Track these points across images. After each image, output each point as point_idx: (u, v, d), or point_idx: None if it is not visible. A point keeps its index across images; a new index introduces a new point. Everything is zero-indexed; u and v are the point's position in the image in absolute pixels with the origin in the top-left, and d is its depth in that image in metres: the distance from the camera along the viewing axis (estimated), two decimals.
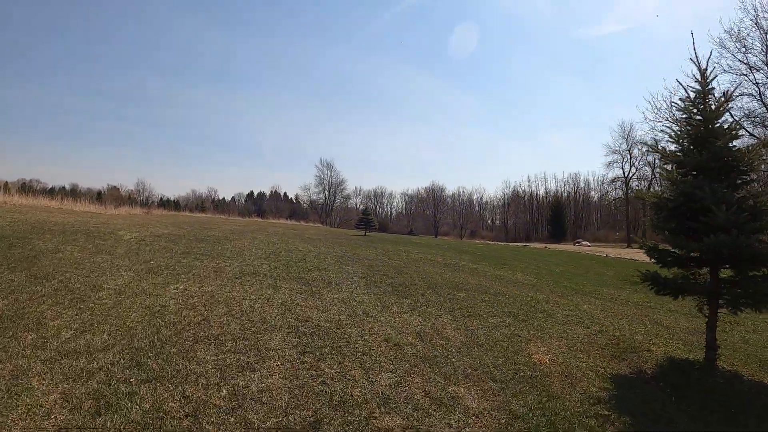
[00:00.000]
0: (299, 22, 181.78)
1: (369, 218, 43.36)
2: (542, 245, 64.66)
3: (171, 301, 10.28)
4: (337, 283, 13.65)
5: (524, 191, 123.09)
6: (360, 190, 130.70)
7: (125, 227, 21.11)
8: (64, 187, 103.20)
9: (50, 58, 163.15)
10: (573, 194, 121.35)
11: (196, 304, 10.26)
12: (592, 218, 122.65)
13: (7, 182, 75.35)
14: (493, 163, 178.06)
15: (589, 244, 62.65)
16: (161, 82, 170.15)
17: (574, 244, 59.15)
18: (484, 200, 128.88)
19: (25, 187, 76.16)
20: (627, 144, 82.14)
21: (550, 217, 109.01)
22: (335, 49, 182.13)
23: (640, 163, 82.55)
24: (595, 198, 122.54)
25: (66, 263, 12.82)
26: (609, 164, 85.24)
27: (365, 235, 39.35)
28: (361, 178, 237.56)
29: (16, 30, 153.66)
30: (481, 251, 31.89)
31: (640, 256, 45.23)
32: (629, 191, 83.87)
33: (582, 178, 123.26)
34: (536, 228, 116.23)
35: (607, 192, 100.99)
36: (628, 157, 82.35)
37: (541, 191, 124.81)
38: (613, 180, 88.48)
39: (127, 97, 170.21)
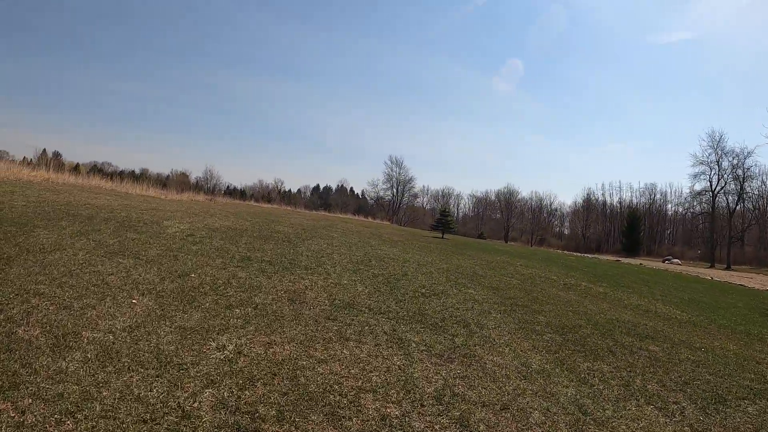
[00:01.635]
0: (368, 20, 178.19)
1: (448, 220, 37.82)
2: (614, 258, 58.16)
3: (207, 395, 4.72)
4: (480, 327, 8.43)
5: (597, 200, 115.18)
6: (427, 189, 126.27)
7: (177, 216, 16.23)
8: (133, 171, 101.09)
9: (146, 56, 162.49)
10: (648, 206, 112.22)
11: (265, 399, 4.88)
12: (666, 233, 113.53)
13: (78, 164, 73.29)
14: (561, 170, 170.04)
15: (680, 261, 55.12)
16: (244, 78, 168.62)
17: (663, 262, 52.02)
18: (553, 207, 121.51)
19: (95, 169, 73.78)
20: (716, 155, 72.42)
21: (624, 228, 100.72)
22: (406, 48, 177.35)
23: (729, 176, 73.24)
24: (671, 211, 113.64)
25: (50, 274, 7.63)
26: (695, 176, 75.78)
27: (443, 237, 35.38)
28: (428, 178, 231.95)
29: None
30: (576, 264, 26.38)
31: (735, 278, 38.96)
32: (715, 205, 75.28)
33: (658, 189, 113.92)
34: (608, 239, 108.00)
35: (691, 205, 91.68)
36: (717, 168, 72.90)
37: (615, 201, 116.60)
38: (699, 193, 79.32)
39: (203, 88, 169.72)
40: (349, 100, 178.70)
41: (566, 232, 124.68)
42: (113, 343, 5.53)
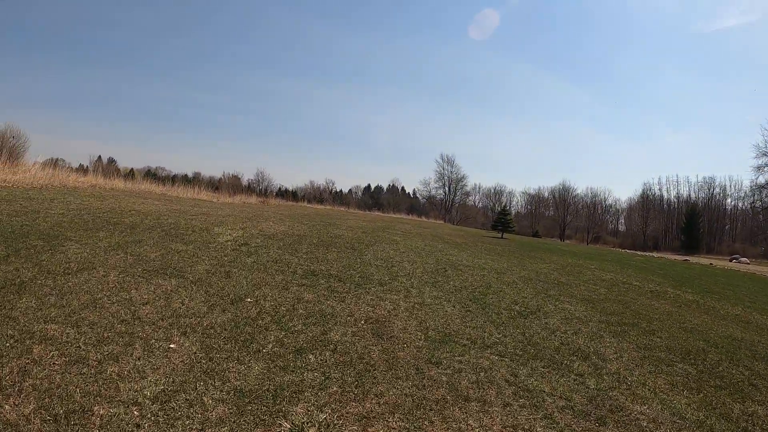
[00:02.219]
0: (413, 17, 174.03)
1: (507, 219, 35.49)
2: (675, 256, 53.97)
3: None
4: (602, 359, 6.82)
5: (654, 195, 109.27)
6: (479, 188, 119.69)
7: (229, 221, 14.59)
8: (186, 175, 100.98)
9: (173, 57, 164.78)
10: (707, 201, 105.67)
11: None
12: (726, 229, 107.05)
13: (132, 169, 73.51)
14: (616, 165, 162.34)
15: (748, 260, 50.76)
16: (290, 80, 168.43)
17: (731, 261, 47.98)
18: (608, 203, 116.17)
19: (150, 174, 73.77)
20: None
21: (683, 225, 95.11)
22: (450, 45, 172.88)
23: None
24: (730, 206, 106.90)
25: (68, 305, 5.79)
26: (758, 168, 69.25)
27: (502, 237, 33.40)
28: (479, 176, 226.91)
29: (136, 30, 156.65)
30: (647, 265, 23.68)
31: None
32: None
33: (717, 182, 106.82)
34: (666, 236, 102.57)
35: (754, 200, 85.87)
36: None
37: (673, 196, 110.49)
38: (763, 186, 73.40)
39: (252, 93, 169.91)
40: (395, 99, 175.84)
41: (621, 228, 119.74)
42: (137, 427, 3.64)
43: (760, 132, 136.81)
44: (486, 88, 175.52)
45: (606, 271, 17.48)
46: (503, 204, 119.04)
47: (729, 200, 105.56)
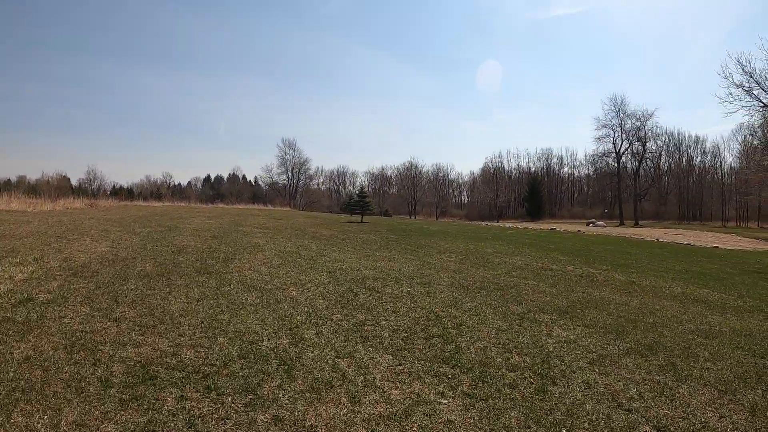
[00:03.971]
0: (254, 2, 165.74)
1: (366, 201, 32.65)
2: (529, 224, 56.42)
3: None
4: None
5: (497, 167, 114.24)
6: (322, 170, 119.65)
7: (24, 246, 10.11)
8: (8, 180, 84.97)
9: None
10: (546, 170, 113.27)
11: None
12: (565, 195, 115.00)
13: None
14: (454, 141, 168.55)
15: (604, 224, 53.20)
16: (110, 63, 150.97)
17: (588, 225, 49.77)
18: (450, 178, 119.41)
19: None
20: (618, 118, 74.25)
21: (526, 194, 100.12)
22: (292, 28, 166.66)
23: (633, 137, 75.15)
24: (567, 174, 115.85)
25: None
26: (599, 138, 77.09)
27: (362, 221, 30.61)
28: (322, 159, 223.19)
29: None
30: (532, 241, 22.25)
31: (675, 236, 37.61)
32: (619, 166, 76.24)
33: (554, 153, 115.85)
34: (509, 205, 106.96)
35: (596, 167, 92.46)
36: (620, 131, 74.57)
37: (513, 167, 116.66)
38: (604, 155, 79.81)
39: (76, 82, 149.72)
40: (240, 85, 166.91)
41: (464, 201, 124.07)
42: None
43: (600, 107, 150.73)
44: (328, 70, 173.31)
45: (510, 255, 15.78)
46: (347, 185, 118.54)
47: (566, 169, 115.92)
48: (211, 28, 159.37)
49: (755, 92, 25.46)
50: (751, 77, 25.14)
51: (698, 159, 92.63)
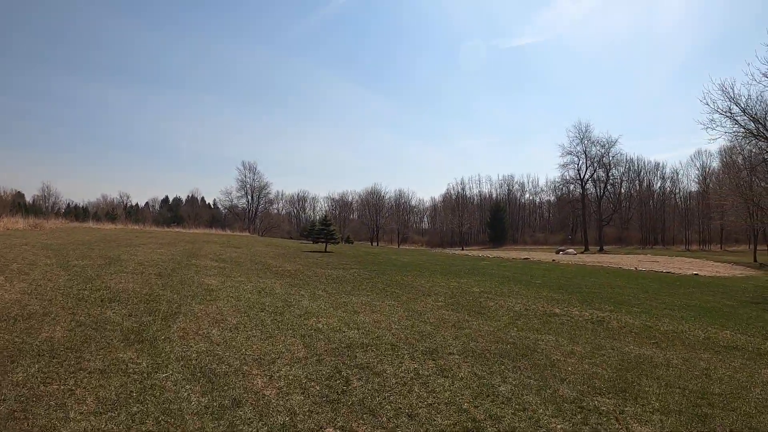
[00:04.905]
0: (219, 24, 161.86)
1: (331, 230, 30.62)
2: (492, 252, 56.14)
3: None
4: None
5: (459, 194, 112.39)
6: (282, 194, 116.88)
7: None
8: None
9: None
10: (508, 196, 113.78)
11: None
12: (526, 221, 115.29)
13: None
14: (415, 168, 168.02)
15: (574, 251, 52.17)
16: (71, 76, 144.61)
17: (558, 253, 48.63)
18: (411, 204, 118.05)
19: None
20: (583, 145, 74.66)
21: (489, 220, 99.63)
22: (255, 52, 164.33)
23: (596, 164, 75.83)
24: (528, 200, 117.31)
25: None
26: (564, 165, 77.27)
27: (326, 250, 29.33)
28: (283, 183, 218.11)
29: None
30: (518, 275, 21.14)
31: (649, 263, 36.46)
32: (584, 192, 76.35)
33: (516, 180, 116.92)
34: (471, 231, 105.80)
35: (561, 192, 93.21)
36: (584, 158, 74.89)
37: (476, 193, 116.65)
38: (568, 181, 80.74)
39: (35, 95, 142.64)
40: (201, 107, 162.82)
41: (425, 227, 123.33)
42: None
43: (564, 134, 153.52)
44: (291, 95, 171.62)
45: (501, 296, 14.18)
46: (307, 210, 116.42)
47: (527, 195, 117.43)
48: (172, 44, 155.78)
49: (737, 118, 25.17)
50: (737, 104, 24.84)
51: (658, 185, 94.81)
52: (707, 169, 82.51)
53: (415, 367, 6.32)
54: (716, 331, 11.17)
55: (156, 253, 17.12)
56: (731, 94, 25.01)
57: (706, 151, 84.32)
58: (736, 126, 25.55)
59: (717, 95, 30.05)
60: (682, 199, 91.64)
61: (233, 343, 6.79)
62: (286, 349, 6.71)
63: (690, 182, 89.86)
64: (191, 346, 6.50)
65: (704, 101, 26.13)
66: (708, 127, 25.94)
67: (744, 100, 25.14)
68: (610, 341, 9.20)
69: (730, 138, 30.67)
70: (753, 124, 25.13)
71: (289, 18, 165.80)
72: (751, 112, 25.08)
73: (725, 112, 24.96)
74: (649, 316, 12.30)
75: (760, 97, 25.01)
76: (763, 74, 23.02)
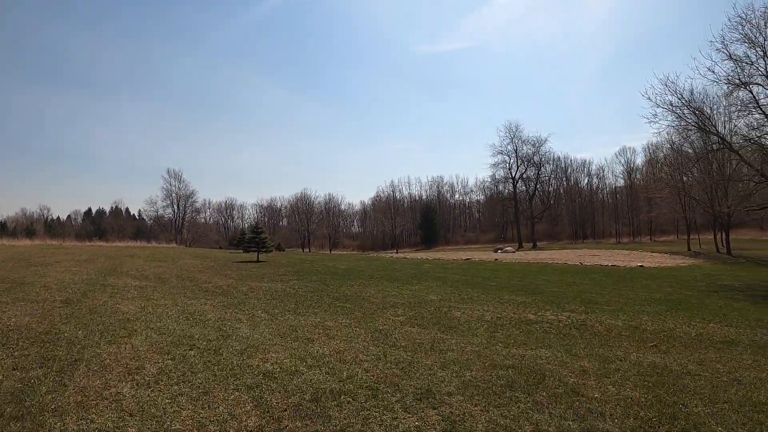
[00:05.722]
0: (146, 26, 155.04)
1: (262, 237, 28.96)
2: (414, 252, 55.40)
3: None
4: None
5: (389, 196, 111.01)
6: (209, 203, 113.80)
7: None
8: None
9: None
10: (438, 198, 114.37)
11: None
12: (457, 221, 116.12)
13: None
14: (344, 172, 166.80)
15: (512, 249, 52.02)
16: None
17: (496, 251, 48.22)
18: (341, 208, 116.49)
19: None
20: (513, 144, 75.37)
21: (420, 222, 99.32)
22: (183, 56, 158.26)
23: (528, 163, 76.89)
24: (458, 200, 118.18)
25: None
26: (495, 164, 77.63)
27: (258, 260, 27.91)
28: (209, 191, 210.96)
29: None
30: (466, 277, 20.23)
31: (590, 258, 36.26)
32: (516, 191, 77.39)
33: (446, 181, 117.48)
34: (403, 233, 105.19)
35: (492, 193, 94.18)
36: (515, 157, 75.57)
37: (406, 195, 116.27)
38: (500, 180, 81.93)
39: None
40: (120, 109, 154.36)
41: (356, 231, 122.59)
42: None
43: (494, 135, 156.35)
44: (219, 101, 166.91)
45: (464, 302, 12.98)
46: (235, 218, 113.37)
47: (457, 196, 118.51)
48: (98, 48, 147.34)
49: (678, 111, 26.02)
50: (681, 97, 25.58)
51: (585, 181, 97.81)
52: (632, 165, 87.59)
53: (417, 425, 4.56)
54: (702, 325, 10.59)
55: (69, 272, 15.65)
56: (674, 88, 25.66)
57: (630, 148, 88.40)
58: (678, 119, 26.36)
59: (659, 90, 32.00)
60: (608, 195, 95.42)
61: (153, 410, 4.66)
62: (229, 415, 4.62)
63: (615, 178, 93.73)
64: (92, 420, 4.43)
65: (646, 96, 27.17)
66: (651, 121, 26.48)
67: (688, 94, 26.17)
68: (610, 350, 8.04)
69: (674, 131, 33.46)
70: (695, 117, 25.87)
71: (216, 23, 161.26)
72: (694, 105, 26.11)
73: (666, 106, 25.62)
74: (626, 315, 11.52)
75: (703, 91, 25.91)
76: (708, 68, 23.46)
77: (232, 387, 5.44)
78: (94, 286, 13.07)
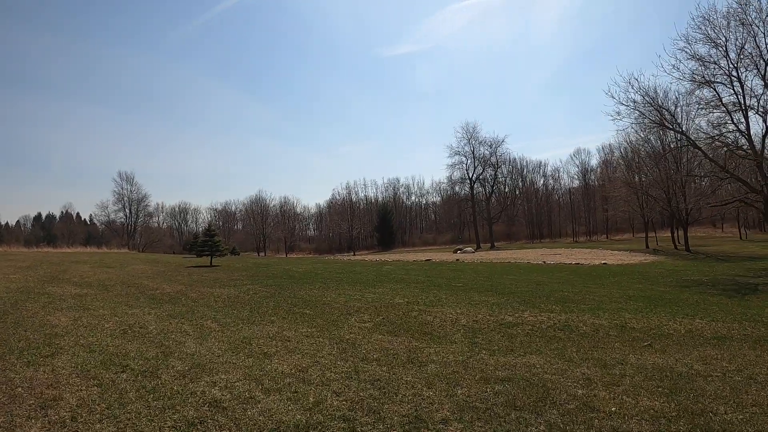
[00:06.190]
0: (99, 26, 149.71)
1: (216, 240, 27.68)
2: (373, 254, 54.94)
3: None
4: None
5: (345, 199, 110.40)
6: (163, 207, 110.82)
7: None
8: None
9: None
10: (394, 199, 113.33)
11: None
12: (414, 223, 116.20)
13: None
14: (298, 175, 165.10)
15: (472, 249, 51.67)
16: None
17: (456, 252, 47.72)
18: (297, 211, 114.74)
19: None
20: (470, 145, 75.04)
21: (377, 224, 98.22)
22: (132, 57, 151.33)
23: (486, 163, 76.92)
24: (415, 202, 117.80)
25: None
26: (452, 165, 77.11)
27: (211, 264, 26.79)
28: (163, 195, 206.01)
29: None
30: (431, 279, 19.30)
31: (533, 257, 36.69)
32: (473, 192, 77.09)
33: (401, 183, 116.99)
34: (360, 236, 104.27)
35: (453, 193, 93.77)
36: (472, 158, 75.34)
37: (362, 197, 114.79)
38: (457, 181, 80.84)
39: None
40: (69, 111, 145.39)
41: (312, 234, 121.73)
42: None
43: (451, 137, 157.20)
44: (171, 103, 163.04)
45: (432, 305, 12.05)
46: (189, 222, 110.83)
47: (413, 197, 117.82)
48: (48, 50, 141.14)
49: (641, 109, 26.02)
50: (646, 94, 25.65)
51: (541, 182, 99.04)
52: (586, 166, 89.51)
53: None
54: (687, 321, 10.19)
55: (5, 280, 14.94)
56: (638, 86, 25.87)
57: (584, 149, 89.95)
58: (641, 117, 26.47)
59: (623, 87, 32.11)
60: (563, 195, 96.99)
61: None
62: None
63: (571, 179, 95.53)
64: None
65: (609, 94, 26.93)
66: (615, 119, 26.61)
67: (652, 91, 26.25)
68: (604, 352, 7.39)
69: (635, 130, 34.29)
70: (659, 114, 25.95)
71: (166, 25, 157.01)
72: (657, 103, 26.16)
73: (629, 104, 25.65)
74: (608, 314, 10.91)
75: (666, 90, 26.24)
76: (673, 66, 23.78)
77: (168, 424, 4.23)
78: (28, 296, 12.16)
